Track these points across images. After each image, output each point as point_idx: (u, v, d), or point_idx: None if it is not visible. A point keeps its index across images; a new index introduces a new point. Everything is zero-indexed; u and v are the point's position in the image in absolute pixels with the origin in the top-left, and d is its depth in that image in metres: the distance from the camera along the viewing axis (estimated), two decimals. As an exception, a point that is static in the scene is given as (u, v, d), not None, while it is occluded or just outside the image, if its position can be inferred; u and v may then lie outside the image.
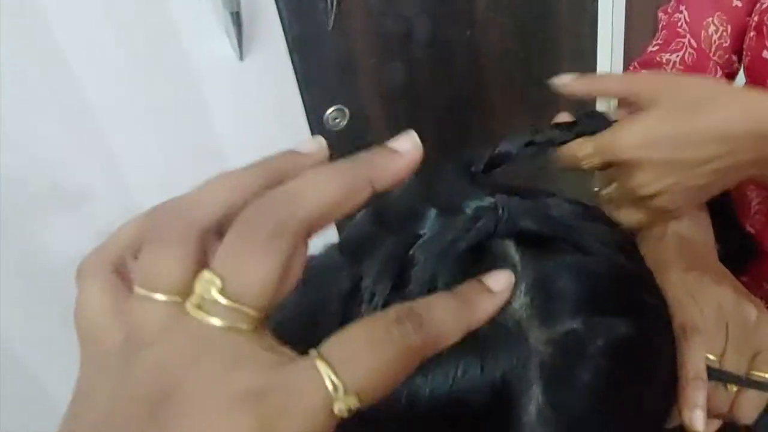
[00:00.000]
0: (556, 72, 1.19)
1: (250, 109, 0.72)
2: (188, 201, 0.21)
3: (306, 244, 0.21)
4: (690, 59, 0.65)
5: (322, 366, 0.19)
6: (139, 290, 0.20)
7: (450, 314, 0.23)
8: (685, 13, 0.65)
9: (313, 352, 0.19)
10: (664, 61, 0.65)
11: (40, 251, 0.62)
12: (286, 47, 0.73)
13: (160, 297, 0.20)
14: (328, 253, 0.31)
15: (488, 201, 0.29)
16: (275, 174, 0.22)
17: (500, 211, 0.29)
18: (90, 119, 0.61)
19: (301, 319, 0.28)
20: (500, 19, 0.99)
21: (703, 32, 0.65)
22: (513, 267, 0.28)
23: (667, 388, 0.33)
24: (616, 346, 0.28)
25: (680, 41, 0.65)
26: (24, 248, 0.61)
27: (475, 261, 0.28)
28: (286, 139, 0.78)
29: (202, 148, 0.69)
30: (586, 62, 1.22)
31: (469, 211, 0.29)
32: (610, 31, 1.90)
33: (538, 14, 1.06)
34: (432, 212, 0.29)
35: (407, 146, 0.23)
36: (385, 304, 0.28)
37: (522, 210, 0.29)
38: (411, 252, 0.28)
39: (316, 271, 0.28)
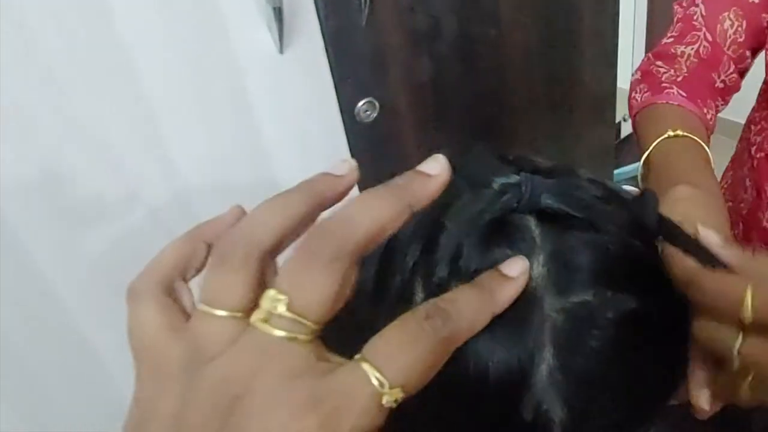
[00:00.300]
0: (578, 71, 1.24)
1: (288, 98, 0.77)
2: (247, 226, 0.23)
3: (358, 264, 0.23)
4: (704, 52, 0.67)
5: (366, 367, 0.21)
6: (203, 307, 0.22)
7: (474, 304, 0.25)
8: (702, 6, 0.68)
9: (357, 356, 0.22)
10: (678, 53, 0.67)
11: (97, 237, 0.67)
12: (323, 42, 0.78)
13: (222, 313, 0.22)
14: None
15: (514, 178, 0.31)
16: (317, 197, 0.24)
17: (524, 188, 0.30)
18: (143, 107, 0.66)
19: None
20: (524, 19, 1.03)
21: (718, 26, 0.67)
22: (532, 240, 0.30)
23: (674, 364, 0.34)
24: (624, 319, 0.30)
25: (695, 34, 0.68)
26: (84, 233, 0.66)
27: (498, 232, 0.30)
28: (320, 128, 0.83)
29: (243, 132, 0.74)
30: (607, 62, 1.25)
31: (495, 186, 0.31)
32: (632, 32, 1.92)
33: (561, 15, 1.09)
34: (461, 185, 0.31)
35: (438, 169, 0.26)
36: (414, 265, 0.31)
37: (544, 188, 0.30)
38: (441, 219, 0.31)
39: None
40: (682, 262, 0.31)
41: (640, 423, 0.35)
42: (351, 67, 0.82)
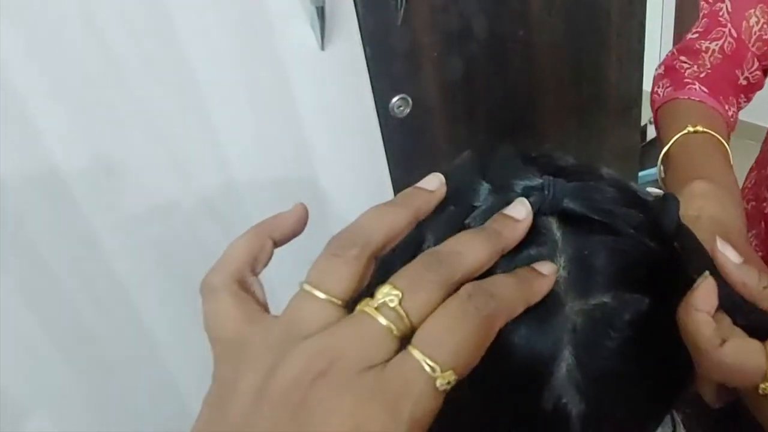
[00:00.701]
0: (604, 72, 1.27)
1: (328, 92, 0.81)
2: (363, 227, 0.26)
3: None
4: (729, 48, 0.69)
5: (417, 354, 0.23)
6: (308, 287, 0.25)
7: (512, 289, 0.27)
8: (728, 3, 0.68)
9: (409, 345, 0.23)
10: (702, 48, 0.69)
11: (155, 222, 0.72)
12: (360, 40, 0.82)
13: (324, 296, 0.24)
14: None
15: (536, 181, 0.31)
16: (415, 211, 0.28)
17: (546, 191, 0.31)
18: (197, 98, 0.71)
19: (376, 275, 0.31)
20: (552, 20, 1.06)
21: (744, 23, 0.67)
22: (554, 242, 0.31)
23: (686, 360, 0.34)
24: (640, 320, 0.31)
25: (721, 30, 0.69)
26: (144, 219, 0.71)
27: None
28: (356, 120, 0.87)
29: (286, 122, 0.79)
30: (634, 64, 1.26)
31: (518, 189, 0.32)
32: (659, 34, 1.92)
33: (589, 16, 1.12)
34: (486, 187, 0.32)
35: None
36: None
37: (566, 191, 0.31)
38: (467, 221, 0.31)
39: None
40: (698, 332, 0.30)
41: (656, 416, 0.36)
42: (386, 64, 0.86)
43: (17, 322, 0.66)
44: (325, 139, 0.84)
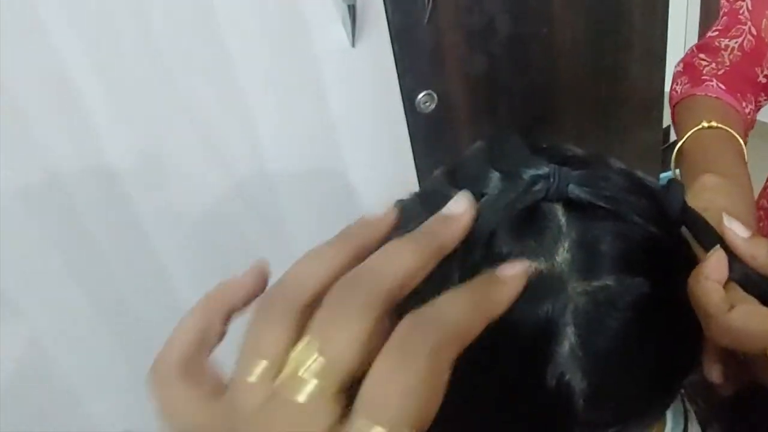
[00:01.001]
0: (626, 71, 1.29)
1: (357, 88, 0.85)
2: (286, 283, 0.23)
3: (389, 315, 0.22)
4: (748, 46, 0.70)
5: (362, 423, 0.20)
6: (241, 368, 0.22)
7: (462, 307, 0.24)
8: (748, 1, 0.69)
9: (352, 414, 0.20)
10: (722, 46, 0.70)
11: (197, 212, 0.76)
12: (389, 37, 0.85)
13: (259, 371, 0.21)
14: (411, 201, 0.36)
15: (543, 169, 0.32)
16: (355, 248, 0.25)
17: (552, 179, 0.32)
18: (234, 90, 0.76)
19: None
20: (574, 19, 1.08)
21: (764, 21, 0.68)
22: (559, 227, 0.32)
23: (690, 343, 0.35)
24: (642, 303, 0.31)
25: (741, 28, 0.69)
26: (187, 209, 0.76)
27: (528, 219, 0.32)
28: (384, 115, 0.91)
29: (317, 115, 0.83)
30: (656, 63, 1.28)
31: (526, 176, 0.32)
32: (683, 34, 1.92)
33: (611, 15, 1.14)
34: (495, 175, 0.33)
35: (462, 208, 0.27)
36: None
37: (572, 179, 0.32)
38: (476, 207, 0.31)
39: (402, 214, 0.31)
40: (707, 297, 0.30)
41: (659, 401, 0.37)
42: (413, 61, 0.89)
43: (67, 294, 0.71)
44: (355, 131, 0.87)
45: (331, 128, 0.85)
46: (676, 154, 0.59)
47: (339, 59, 0.81)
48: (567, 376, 0.31)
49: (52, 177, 0.66)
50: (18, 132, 0.63)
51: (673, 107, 0.71)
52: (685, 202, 0.34)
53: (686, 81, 0.71)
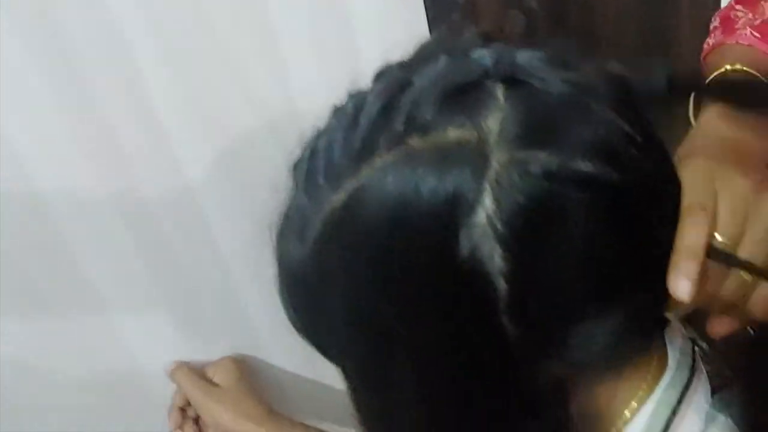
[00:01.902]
0: (674, 38, 1.23)
1: (388, 41, 0.86)
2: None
3: None
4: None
5: None
6: None
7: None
8: None
9: None
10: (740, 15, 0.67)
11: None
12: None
13: None
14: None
15: (492, 50, 0.34)
16: None
17: (497, 57, 0.33)
18: (272, 41, 0.79)
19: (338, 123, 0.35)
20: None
21: None
22: (495, 103, 0.32)
23: (639, 250, 0.35)
24: (577, 183, 0.31)
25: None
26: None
27: (460, 91, 0.32)
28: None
29: (347, 65, 0.85)
30: (706, 30, 1.22)
31: (473, 56, 0.34)
32: None
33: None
34: (444, 57, 0.34)
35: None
36: (378, 118, 0.33)
37: (515, 57, 0.33)
38: (410, 79, 0.33)
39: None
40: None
41: (595, 306, 0.34)
42: (445, 14, 0.90)
43: (114, 236, 0.77)
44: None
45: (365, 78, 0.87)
46: (694, 98, 0.56)
47: (371, 9, 0.83)
48: (483, 249, 0.30)
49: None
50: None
51: (702, 60, 0.69)
52: (669, 89, 0.35)
53: (720, 33, 0.69)
